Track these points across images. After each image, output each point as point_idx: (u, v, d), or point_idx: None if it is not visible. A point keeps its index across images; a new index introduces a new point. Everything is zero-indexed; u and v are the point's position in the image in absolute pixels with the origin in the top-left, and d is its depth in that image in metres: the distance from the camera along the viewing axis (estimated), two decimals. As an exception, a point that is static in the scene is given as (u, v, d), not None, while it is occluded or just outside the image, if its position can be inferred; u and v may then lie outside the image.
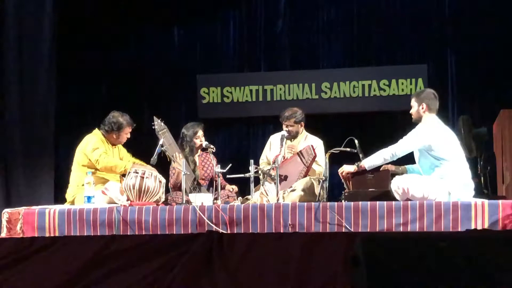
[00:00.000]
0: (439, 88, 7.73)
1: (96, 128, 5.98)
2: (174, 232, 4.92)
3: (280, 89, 8.49)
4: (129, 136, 6.05)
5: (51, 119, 7.58)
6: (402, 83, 8.28)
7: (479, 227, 4.61)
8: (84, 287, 3.07)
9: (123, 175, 5.72)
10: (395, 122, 8.38)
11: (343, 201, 5.13)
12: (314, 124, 6.80)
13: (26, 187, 7.19)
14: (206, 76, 8.64)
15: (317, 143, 6.19)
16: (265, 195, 5.58)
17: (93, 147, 5.78)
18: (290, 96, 8.46)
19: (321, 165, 6.01)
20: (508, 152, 6.31)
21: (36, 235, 5.06)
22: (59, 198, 7.58)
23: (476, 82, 8.02)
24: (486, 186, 6.86)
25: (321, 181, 5.46)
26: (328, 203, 4.88)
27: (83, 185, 5.70)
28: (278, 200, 5.28)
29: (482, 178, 7.01)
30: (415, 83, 8.23)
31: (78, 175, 5.81)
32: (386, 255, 2.01)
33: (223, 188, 5.93)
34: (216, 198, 5.50)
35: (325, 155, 5.72)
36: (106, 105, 6.22)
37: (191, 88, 8.65)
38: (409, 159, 5.35)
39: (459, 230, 4.62)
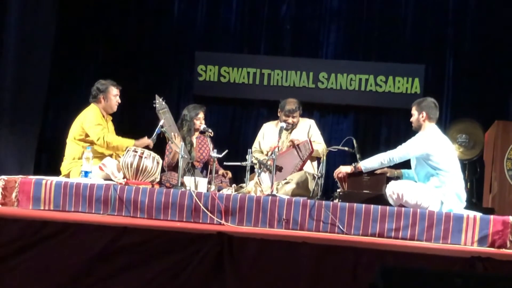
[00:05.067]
0: (434, 91, 7.90)
1: (92, 103, 5.98)
2: (169, 215, 4.97)
3: (278, 74, 8.51)
4: (118, 100, 6.03)
5: (43, 90, 7.61)
6: (399, 81, 8.35)
7: (469, 240, 4.72)
8: (93, 281, 3.11)
9: (118, 152, 5.77)
10: (388, 119, 8.50)
11: (336, 200, 5.22)
12: (308, 113, 6.85)
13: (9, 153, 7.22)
14: (205, 54, 8.63)
15: (311, 123, 6.34)
16: (259, 185, 5.63)
17: (94, 122, 5.78)
18: (287, 82, 8.49)
19: (320, 142, 6.11)
20: (499, 162, 6.42)
21: (30, 206, 5.08)
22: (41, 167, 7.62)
23: (473, 88, 8.10)
24: (472, 193, 6.99)
25: (316, 177, 5.53)
26: (323, 201, 4.94)
27: (78, 158, 5.73)
28: (272, 191, 5.34)
29: (468, 184, 7.15)
30: (411, 82, 8.30)
31: (73, 148, 5.82)
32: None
33: (216, 172, 5.97)
34: (209, 182, 5.55)
35: (324, 149, 5.84)
36: (98, 77, 6.18)
37: (188, 65, 8.63)
38: (405, 163, 5.43)
39: (449, 241, 4.73)
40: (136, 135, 6.04)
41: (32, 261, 3.25)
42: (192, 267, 3.08)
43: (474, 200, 6.72)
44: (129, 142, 5.77)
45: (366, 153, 5.59)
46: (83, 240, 3.26)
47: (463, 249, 4.32)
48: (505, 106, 8.03)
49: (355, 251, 3.13)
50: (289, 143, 6.02)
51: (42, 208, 5.08)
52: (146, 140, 5.77)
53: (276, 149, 5.56)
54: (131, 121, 8.00)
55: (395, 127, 8.43)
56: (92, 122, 5.80)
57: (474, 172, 7.42)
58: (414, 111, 5.35)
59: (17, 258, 3.26)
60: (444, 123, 7.84)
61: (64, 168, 5.82)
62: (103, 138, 5.73)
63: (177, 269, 3.13)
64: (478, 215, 4.83)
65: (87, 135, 5.79)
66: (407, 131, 8.02)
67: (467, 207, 5.28)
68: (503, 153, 6.36)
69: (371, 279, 2.85)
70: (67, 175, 5.71)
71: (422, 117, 5.29)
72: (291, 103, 6.24)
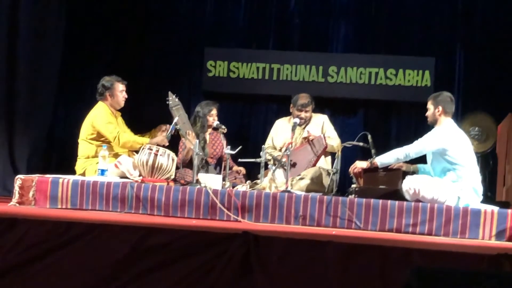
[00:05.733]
0: (445, 83, 7.89)
1: (99, 101, 5.98)
2: (186, 213, 4.99)
3: (287, 69, 8.49)
4: (125, 95, 6.02)
5: (52, 87, 7.65)
6: (409, 74, 8.32)
7: (487, 235, 4.72)
8: (120, 284, 3.11)
9: (135, 150, 5.78)
10: (398, 112, 8.48)
11: (352, 196, 5.21)
12: (318, 107, 6.82)
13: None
14: (214, 49, 8.61)
15: (324, 119, 6.34)
16: (273, 181, 5.63)
17: (105, 121, 5.78)
18: (297, 77, 8.47)
19: (334, 137, 6.11)
20: (512, 155, 6.39)
21: (48, 205, 5.10)
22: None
23: (484, 81, 8.07)
24: (485, 187, 6.98)
25: (331, 173, 5.54)
26: (340, 197, 4.95)
27: (92, 157, 5.75)
28: (287, 187, 5.34)
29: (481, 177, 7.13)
30: (422, 75, 8.28)
31: (86, 147, 5.83)
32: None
33: (230, 168, 5.98)
34: (224, 179, 5.56)
35: (339, 144, 5.85)
36: (106, 73, 6.18)
37: (197, 60, 8.61)
38: (421, 158, 5.42)
39: (467, 235, 4.74)
40: (148, 133, 6.08)
41: (58, 264, 3.26)
42: (220, 267, 3.08)
43: (489, 194, 6.71)
44: (144, 140, 5.78)
45: (377, 147, 5.59)
46: (109, 241, 3.27)
47: (489, 245, 4.31)
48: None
49: (381, 250, 3.14)
50: (303, 138, 6.01)
51: (59, 206, 5.10)
52: (161, 138, 5.78)
53: (290, 145, 5.56)
54: (142, 119, 7.99)
55: (405, 121, 8.41)
56: (103, 121, 5.80)
57: (487, 165, 7.41)
58: (430, 105, 5.34)
59: (44, 261, 3.27)
60: (456, 116, 7.80)
61: (78, 167, 5.83)
62: (118, 137, 5.73)
63: (205, 269, 3.14)
64: (496, 209, 4.83)
65: (99, 134, 5.79)
66: (418, 125, 8.06)
67: (482, 201, 5.29)
68: (516, 146, 6.34)
69: (400, 279, 2.87)
70: (83, 174, 5.73)
71: (438, 111, 5.28)
72: (303, 98, 6.24)
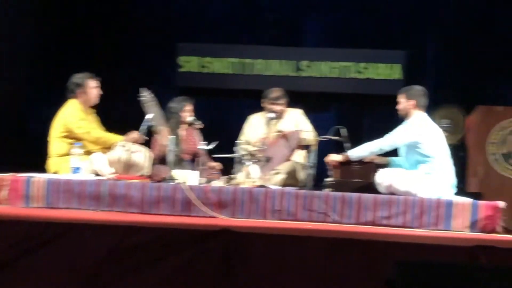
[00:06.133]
0: (415, 77, 7.96)
1: (71, 99, 5.91)
2: (162, 210, 4.98)
3: (260, 63, 8.52)
4: (99, 91, 5.97)
5: (22, 85, 7.57)
6: (380, 68, 8.40)
7: (460, 226, 4.80)
8: (102, 283, 3.10)
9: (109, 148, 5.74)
10: (370, 106, 8.56)
11: (327, 189, 5.26)
12: (291, 102, 6.84)
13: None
14: (186, 45, 8.60)
15: (298, 113, 6.36)
16: (249, 176, 5.64)
17: (77, 118, 5.73)
18: (269, 71, 8.50)
19: (309, 131, 6.15)
20: (482, 147, 6.48)
21: (22, 204, 5.05)
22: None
23: (454, 74, 8.17)
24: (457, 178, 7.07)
25: (306, 167, 5.57)
26: (316, 191, 4.99)
27: (65, 155, 5.69)
28: (262, 182, 5.36)
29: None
30: (392, 68, 8.36)
31: (58, 145, 5.75)
32: (422, 283, 2.14)
33: (205, 164, 5.98)
34: (199, 175, 5.55)
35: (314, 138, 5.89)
36: (77, 70, 6.12)
37: (170, 56, 8.59)
38: (394, 151, 5.48)
39: (440, 227, 4.81)
40: (121, 129, 6.01)
41: (37, 265, 3.23)
42: (202, 265, 3.10)
43: (461, 185, 6.80)
44: (117, 138, 5.74)
45: (350, 141, 5.63)
46: (88, 241, 3.25)
47: (466, 237, 4.38)
48: (485, 90, 8.13)
49: (361, 244, 3.17)
50: (277, 133, 6.03)
51: (33, 205, 5.05)
52: (135, 135, 5.74)
53: (265, 140, 5.58)
54: (115, 115, 7.92)
55: (377, 114, 8.49)
56: (75, 118, 5.74)
57: (457, 157, 7.48)
58: (402, 99, 5.40)
59: (23, 261, 3.24)
60: (426, 109, 7.91)
61: (51, 166, 5.76)
62: (91, 132, 5.69)
63: (187, 267, 3.14)
64: (468, 201, 4.91)
65: (71, 132, 5.72)
66: (389, 118, 8.08)
67: (455, 193, 5.36)
68: (486, 137, 6.42)
69: (381, 272, 2.91)
70: (56, 173, 5.67)
71: (410, 105, 5.34)
72: (275, 91, 6.28)
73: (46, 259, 3.25)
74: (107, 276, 3.17)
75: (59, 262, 3.25)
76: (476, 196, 5.55)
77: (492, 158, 6.35)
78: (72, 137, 5.72)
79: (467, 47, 8.13)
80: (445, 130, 7.47)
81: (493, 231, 4.75)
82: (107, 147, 5.76)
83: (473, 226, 4.80)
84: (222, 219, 4.80)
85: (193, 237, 3.24)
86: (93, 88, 5.90)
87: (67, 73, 6.06)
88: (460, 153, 7.47)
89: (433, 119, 7.22)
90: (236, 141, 5.73)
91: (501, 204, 4.80)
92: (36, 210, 4.85)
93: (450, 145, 7.38)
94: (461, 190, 6.40)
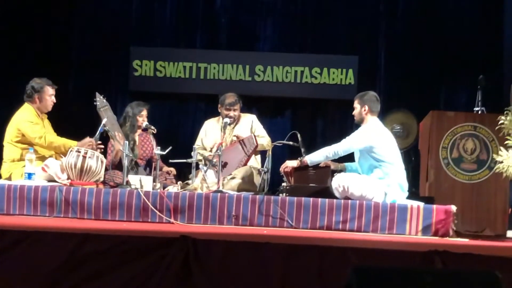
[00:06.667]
0: (368, 81, 8.09)
1: (26, 103, 5.85)
2: (117, 216, 4.94)
3: (214, 68, 8.53)
4: (54, 100, 5.92)
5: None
6: (333, 73, 8.51)
7: (413, 230, 4.88)
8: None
9: (62, 153, 5.66)
10: (324, 110, 8.65)
11: (283, 194, 5.29)
12: (245, 106, 6.88)
13: None
14: (140, 49, 8.57)
15: (252, 118, 6.39)
16: (205, 181, 5.64)
17: (31, 122, 5.66)
18: (224, 76, 8.52)
19: (264, 136, 6.17)
20: (434, 151, 6.58)
21: (-27, 211, 4.95)
22: None
23: (406, 78, 8.32)
24: (409, 182, 7.19)
25: (262, 172, 5.59)
26: (272, 196, 5.01)
27: (18, 160, 5.61)
28: (218, 187, 5.36)
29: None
30: (345, 73, 8.47)
31: (11, 150, 5.68)
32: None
33: (160, 169, 5.95)
34: (154, 180, 5.53)
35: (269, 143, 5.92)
36: (30, 72, 6.04)
37: (123, 60, 8.53)
38: (348, 156, 5.54)
39: (394, 231, 4.88)
40: (74, 134, 5.94)
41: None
42: (160, 273, 3.07)
43: (414, 189, 6.92)
44: (71, 143, 5.67)
45: (304, 144, 5.67)
46: (45, 249, 3.20)
47: (421, 242, 4.47)
48: (436, 95, 8.30)
49: (318, 249, 3.20)
50: (233, 137, 6.05)
51: (-15, 212, 4.97)
52: (88, 140, 5.68)
53: (221, 145, 5.58)
54: (68, 120, 7.84)
55: (330, 118, 8.60)
56: (29, 122, 5.67)
57: (409, 161, 7.63)
58: (356, 105, 5.48)
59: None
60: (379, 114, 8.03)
61: (4, 171, 5.68)
62: (45, 137, 5.62)
63: (145, 275, 3.12)
64: (421, 205, 4.99)
65: (24, 136, 5.65)
66: (343, 122, 8.26)
67: (407, 197, 5.45)
68: (438, 142, 6.52)
69: (338, 278, 2.94)
70: (9, 178, 5.58)
71: (365, 110, 5.42)
72: (230, 97, 6.29)
73: (1, 268, 3.18)
74: (65, 285, 3.13)
75: (15, 271, 3.18)
76: (428, 200, 5.63)
77: (444, 163, 6.46)
78: (26, 142, 5.64)
79: (419, 52, 8.29)
80: (397, 135, 7.62)
81: (445, 234, 4.84)
82: (60, 153, 5.69)
83: (426, 230, 4.88)
84: (179, 225, 4.79)
85: (150, 245, 3.22)
86: (50, 96, 5.84)
87: (22, 76, 5.98)
88: (412, 158, 7.63)
89: (386, 123, 7.36)
90: (191, 146, 5.71)
91: (453, 208, 4.90)
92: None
93: (402, 149, 7.54)
94: (414, 194, 6.52)
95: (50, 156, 5.69)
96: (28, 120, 5.68)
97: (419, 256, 3.20)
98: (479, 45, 8.22)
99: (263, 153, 6.17)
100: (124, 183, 5.29)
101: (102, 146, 5.70)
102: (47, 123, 5.96)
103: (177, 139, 8.29)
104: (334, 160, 5.54)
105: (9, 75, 8.02)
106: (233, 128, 6.25)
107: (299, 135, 5.60)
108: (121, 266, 3.17)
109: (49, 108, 5.90)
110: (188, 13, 8.61)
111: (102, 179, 5.53)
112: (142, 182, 5.34)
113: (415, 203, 5.05)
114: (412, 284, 2.25)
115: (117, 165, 5.91)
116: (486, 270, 2.32)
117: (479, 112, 6.23)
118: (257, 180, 5.74)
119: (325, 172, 5.42)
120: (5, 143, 5.75)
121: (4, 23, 8.09)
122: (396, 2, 8.54)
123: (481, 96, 6.30)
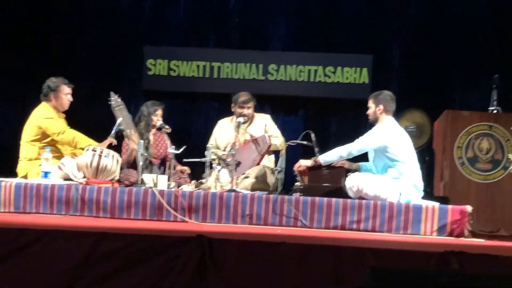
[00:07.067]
0: (382, 81, 8.06)
1: (42, 101, 5.89)
2: (132, 215, 4.97)
3: (227, 67, 8.53)
4: (70, 98, 5.97)
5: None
6: (347, 72, 8.48)
7: (428, 230, 4.87)
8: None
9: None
10: (337, 109, 8.63)
11: (297, 194, 5.29)
12: (258, 105, 6.88)
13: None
14: (154, 48, 8.58)
15: (267, 118, 6.40)
16: (218, 180, 5.66)
17: (51, 117, 5.72)
18: (237, 75, 8.52)
19: (278, 136, 6.18)
20: (449, 151, 6.56)
21: (-10, 209, 4.99)
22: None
23: (420, 78, 8.28)
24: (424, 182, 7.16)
25: (275, 171, 5.60)
26: (286, 196, 5.02)
27: (35, 159, 5.65)
28: (232, 186, 5.37)
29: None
30: (359, 72, 8.44)
31: (29, 149, 5.74)
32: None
33: (174, 168, 5.97)
34: (168, 179, 5.55)
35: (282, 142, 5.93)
36: (44, 73, 6.07)
37: (137, 59, 8.55)
38: (362, 156, 5.54)
39: (409, 231, 4.87)
40: (88, 134, 5.98)
41: (10, 273, 3.19)
42: (176, 272, 3.09)
43: (428, 189, 6.89)
44: (91, 140, 5.72)
45: (318, 145, 5.66)
46: (62, 248, 3.22)
47: (437, 242, 4.45)
48: (451, 94, 8.26)
49: (334, 250, 3.20)
50: (247, 136, 6.06)
51: (2, 210, 5.00)
52: (109, 141, 5.71)
53: (235, 145, 5.60)
54: (84, 120, 7.86)
55: (344, 118, 8.57)
56: (49, 118, 5.73)
57: (423, 160, 7.59)
58: (371, 104, 5.46)
59: (-3, 268, 3.20)
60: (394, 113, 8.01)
61: (21, 169, 5.72)
62: (67, 132, 5.66)
63: (161, 274, 3.14)
64: (436, 205, 4.98)
65: (43, 135, 5.70)
66: (356, 121, 8.22)
67: (422, 197, 5.43)
68: (453, 141, 6.50)
69: (353, 278, 2.94)
70: (25, 177, 5.62)
71: (379, 110, 5.41)
72: (244, 95, 6.30)
73: (19, 266, 3.21)
74: (82, 284, 3.15)
75: (32, 269, 3.21)
76: (443, 200, 5.62)
77: (459, 162, 6.44)
78: (43, 141, 5.68)
79: (433, 52, 8.25)
80: (411, 134, 7.59)
81: (460, 235, 4.83)
82: (77, 150, 5.73)
83: (441, 230, 4.87)
84: (193, 224, 4.80)
85: (166, 243, 3.24)
86: (66, 94, 5.89)
87: (37, 77, 6.01)
88: (426, 157, 7.59)
89: (401, 122, 7.34)
90: (204, 145, 5.72)
91: (469, 208, 4.88)
92: (6, 216, 4.79)
93: (416, 149, 7.51)
94: (428, 194, 6.50)
95: (67, 155, 5.73)
96: (48, 116, 5.74)
97: (435, 257, 3.19)
98: (495, 44, 8.17)
99: (276, 153, 6.17)
100: (139, 182, 5.31)
101: (115, 141, 5.73)
102: (64, 121, 5.99)
103: (190, 138, 8.29)
104: (349, 160, 5.53)
105: (20, 77, 8.06)
106: (247, 127, 6.26)
107: (312, 135, 5.59)
108: (137, 265, 3.19)
109: (66, 107, 5.95)
110: (201, 12, 8.62)
111: (117, 178, 5.56)
112: (156, 181, 5.36)
113: (430, 203, 5.03)
114: (429, 286, 2.25)
115: (132, 164, 5.93)
116: (505, 273, 2.32)
117: (495, 111, 6.19)
118: (271, 179, 5.76)
119: (339, 172, 5.41)
120: (22, 142, 5.79)
121: (17, 25, 8.12)
122: (410, 0, 8.50)
123: (497, 95, 6.26)
